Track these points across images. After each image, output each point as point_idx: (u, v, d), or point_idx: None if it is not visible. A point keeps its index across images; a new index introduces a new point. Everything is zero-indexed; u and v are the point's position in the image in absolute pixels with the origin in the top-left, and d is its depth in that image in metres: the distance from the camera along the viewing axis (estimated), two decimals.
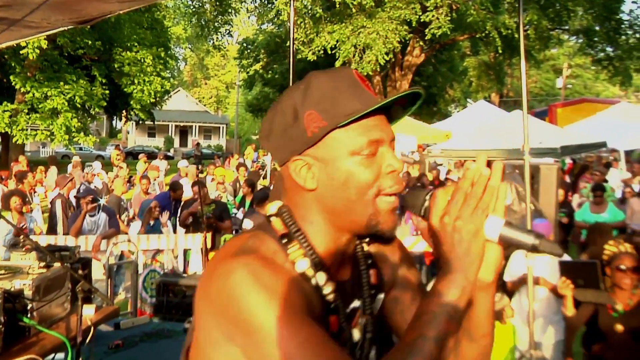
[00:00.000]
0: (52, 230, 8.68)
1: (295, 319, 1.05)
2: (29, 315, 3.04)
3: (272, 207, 1.25)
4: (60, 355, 3.93)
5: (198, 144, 33.58)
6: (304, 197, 1.21)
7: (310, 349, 1.03)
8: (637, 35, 24.48)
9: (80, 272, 3.16)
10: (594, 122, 17.02)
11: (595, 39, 25.60)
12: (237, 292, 1.06)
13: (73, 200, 9.41)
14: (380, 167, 1.17)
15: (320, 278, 1.19)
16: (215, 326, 1.11)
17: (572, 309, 4.31)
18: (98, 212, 7.81)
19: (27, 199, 8.82)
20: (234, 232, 9.02)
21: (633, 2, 33.04)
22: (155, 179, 12.98)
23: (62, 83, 22.28)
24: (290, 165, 1.20)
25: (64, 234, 8.10)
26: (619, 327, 4.06)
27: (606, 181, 10.84)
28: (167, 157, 39.84)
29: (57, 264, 3.39)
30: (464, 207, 1.08)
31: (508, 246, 1.11)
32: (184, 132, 57.18)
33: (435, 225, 1.11)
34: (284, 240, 1.19)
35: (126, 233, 8.55)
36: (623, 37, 24.67)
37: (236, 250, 1.14)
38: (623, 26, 24.58)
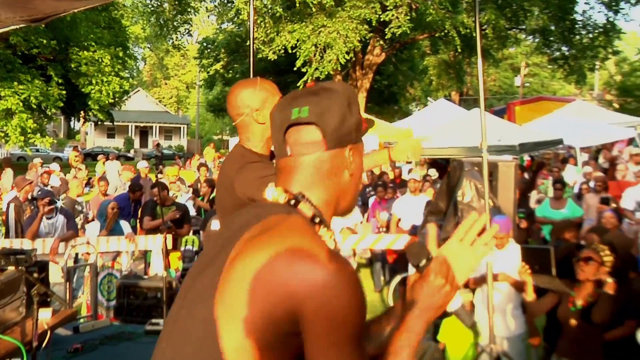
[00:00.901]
0: (7, 234, 8.48)
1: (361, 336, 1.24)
2: None
3: (280, 195, 1.35)
4: None
5: (158, 144, 33.21)
6: (336, 182, 1.38)
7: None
8: (590, 35, 25.07)
9: (36, 275, 3.08)
10: (551, 120, 17.36)
11: (551, 38, 26.13)
12: (339, 295, 1.16)
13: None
14: None
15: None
16: (285, 311, 1.16)
17: (532, 294, 4.40)
18: (55, 215, 7.65)
19: None
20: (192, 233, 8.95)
21: (585, 3, 33.83)
22: (127, 180, 12.76)
23: (16, 83, 21.76)
24: (346, 152, 1.37)
25: (16, 238, 7.92)
26: (573, 322, 4.15)
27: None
28: (127, 158, 39.38)
29: (11, 268, 3.31)
30: (451, 280, 1.41)
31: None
32: (144, 133, 56.47)
33: (425, 282, 1.40)
34: (317, 220, 1.33)
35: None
36: (577, 36, 25.22)
37: (312, 241, 1.22)
38: (577, 26, 25.13)
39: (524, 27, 26.48)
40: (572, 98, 30.06)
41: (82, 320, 6.33)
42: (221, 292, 1.20)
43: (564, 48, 26.53)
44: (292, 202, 1.33)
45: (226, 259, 1.24)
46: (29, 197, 8.91)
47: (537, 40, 28.01)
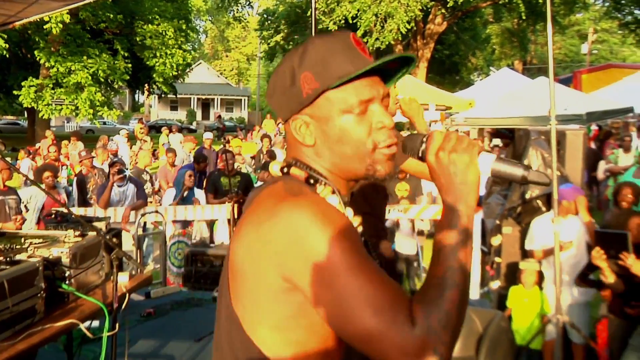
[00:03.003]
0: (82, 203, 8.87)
1: (362, 253, 1.14)
2: (67, 282, 3.14)
3: (275, 164, 1.35)
4: (95, 323, 4.05)
5: (220, 116, 33.69)
6: (305, 152, 1.31)
7: (379, 282, 1.11)
8: None
9: (115, 240, 3.24)
10: (620, 88, 16.70)
11: (623, 1, 25.03)
12: (307, 229, 1.12)
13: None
14: (370, 124, 1.26)
15: (349, 213, 1.28)
16: (275, 271, 1.15)
17: (612, 275, 4.26)
18: (126, 183, 7.90)
19: (58, 173, 8.96)
20: None
21: None
22: (190, 151, 13.11)
23: (85, 57, 22.40)
24: (291, 124, 1.30)
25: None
26: None
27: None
28: (190, 130, 40.09)
29: (91, 233, 3.48)
30: (458, 143, 1.20)
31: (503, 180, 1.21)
32: (206, 105, 57.28)
33: (432, 162, 1.22)
34: (312, 181, 1.29)
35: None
36: None
37: (285, 194, 1.21)
38: None
39: None
40: None
41: (152, 287, 6.58)
42: (231, 271, 1.25)
43: (636, 11, 25.41)
44: (285, 169, 1.33)
45: (232, 240, 1.28)
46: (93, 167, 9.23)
47: (607, 4, 26.92)
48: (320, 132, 1.28)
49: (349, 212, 1.28)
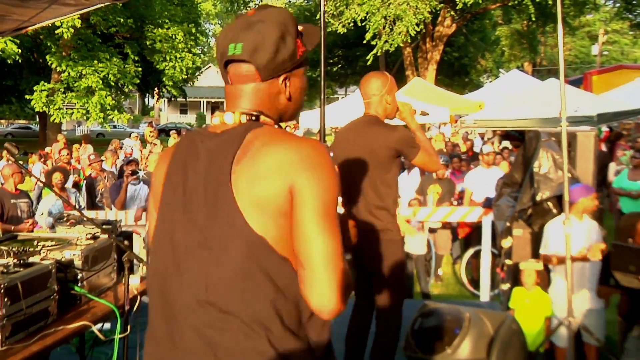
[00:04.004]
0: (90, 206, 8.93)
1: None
2: (79, 284, 3.16)
3: (228, 115, 1.60)
4: (106, 326, 4.07)
5: None
6: (278, 102, 1.62)
7: (334, 229, 1.48)
8: None
9: (127, 243, 3.26)
10: (631, 89, 16.64)
11: (634, 2, 24.88)
12: (324, 160, 1.50)
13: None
14: None
15: None
16: (284, 180, 1.45)
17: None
18: (139, 182, 7.94)
19: (69, 176, 9.02)
20: None
21: None
22: None
23: (96, 61, 22.54)
24: (279, 80, 1.60)
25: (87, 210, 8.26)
26: None
27: None
28: None
29: (103, 236, 3.50)
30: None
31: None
32: (215, 108, 57.39)
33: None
34: (278, 128, 1.61)
35: None
36: None
37: (289, 134, 1.57)
38: None
39: None
40: None
41: None
42: (238, 190, 1.47)
43: None
44: (254, 117, 1.57)
45: (223, 173, 1.49)
46: (102, 170, 9.29)
47: (617, 4, 26.78)
48: (294, 87, 1.63)
49: None
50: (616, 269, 4.26)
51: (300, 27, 1.65)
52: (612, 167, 10.54)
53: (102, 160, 9.55)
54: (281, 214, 1.46)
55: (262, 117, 1.58)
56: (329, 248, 1.43)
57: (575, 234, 4.90)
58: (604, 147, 12.78)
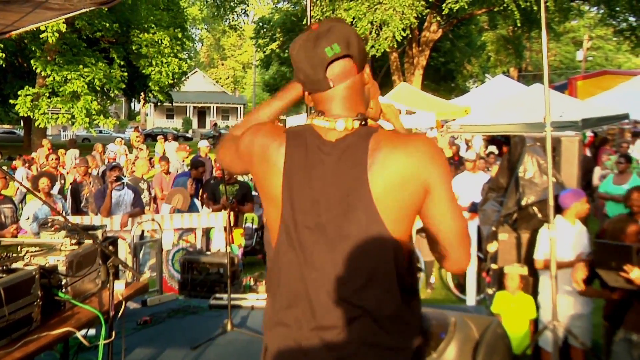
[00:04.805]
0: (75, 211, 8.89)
1: None
2: (63, 290, 3.14)
3: (341, 121, 1.71)
4: (91, 332, 4.04)
5: (216, 124, 33.68)
6: (366, 97, 1.80)
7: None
8: None
9: (112, 248, 3.24)
10: (615, 94, 16.76)
11: (617, 8, 25.10)
12: (441, 153, 1.70)
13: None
14: None
15: None
16: (419, 176, 1.64)
17: (582, 285, 4.36)
18: (123, 188, 7.90)
19: (55, 181, 8.96)
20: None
21: None
22: (184, 160, 13.12)
23: (81, 66, 22.43)
24: (367, 69, 1.77)
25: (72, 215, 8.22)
26: None
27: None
28: (186, 139, 40.10)
29: (88, 241, 3.48)
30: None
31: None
32: (202, 113, 57.32)
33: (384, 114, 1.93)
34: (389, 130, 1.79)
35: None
36: None
37: (410, 134, 1.77)
38: None
39: None
40: (639, 71, 28.94)
41: (149, 295, 6.56)
42: (376, 194, 1.62)
43: (631, 18, 25.47)
44: (363, 122, 1.72)
45: (358, 179, 1.63)
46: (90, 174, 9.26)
47: (601, 11, 27.02)
48: (369, 80, 1.80)
49: None
50: (599, 266, 4.30)
51: None
52: (597, 171, 10.62)
53: (88, 166, 9.51)
54: (415, 212, 1.68)
55: (370, 121, 1.75)
56: (463, 224, 1.71)
57: (567, 239, 4.94)
58: (588, 152, 12.88)
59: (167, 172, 10.56)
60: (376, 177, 1.62)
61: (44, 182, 7.39)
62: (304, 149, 1.71)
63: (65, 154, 15.88)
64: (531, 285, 5.36)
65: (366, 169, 1.62)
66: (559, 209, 5.00)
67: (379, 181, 1.61)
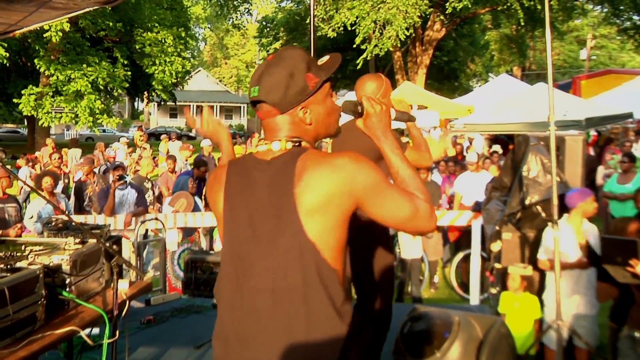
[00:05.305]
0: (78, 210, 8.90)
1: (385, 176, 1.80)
2: (67, 289, 3.14)
3: (276, 142, 1.86)
4: (95, 331, 4.04)
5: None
6: (305, 129, 1.87)
7: (398, 188, 1.82)
8: None
9: (115, 247, 3.24)
10: (619, 93, 16.73)
11: (621, 7, 25.03)
12: (362, 163, 1.75)
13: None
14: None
15: None
16: (344, 188, 1.73)
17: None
18: (126, 187, 7.90)
19: (58, 180, 8.97)
20: None
21: None
22: (187, 159, 13.14)
23: (85, 65, 22.45)
24: (298, 112, 1.84)
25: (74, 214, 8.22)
26: None
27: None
28: (189, 138, 40.10)
29: (92, 240, 3.48)
30: (381, 103, 1.96)
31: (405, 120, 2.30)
32: None
33: (370, 121, 1.94)
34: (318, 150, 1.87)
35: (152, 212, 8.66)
36: None
37: (334, 153, 1.81)
38: None
39: None
40: None
41: (152, 294, 6.56)
42: (302, 208, 1.72)
43: (635, 17, 25.41)
44: (297, 144, 1.85)
45: (286, 194, 1.74)
46: (94, 172, 9.26)
47: (605, 10, 26.95)
48: (315, 113, 1.87)
49: None
50: (606, 262, 4.31)
51: (324, 59, 1.92)
52: (601, 170, 10.60)
53: (93, 165, 9.53)
54: (345, 224, 1.77)
55: (303, 143, 1.86)
56: (408, 207, 1.77)
57: (572, 239, 4.92)
58: (592, 151, 12.86)
59: (173, 171, 10.57)
60: (303, 192, 1.72)
61: (47, 181, 7.40)
62: (241, 170, 1.91)
63: (68, 152, 15.91)
64: (537, 285, 5.35)
65: (293, 185, 1.74)
66: (563, 209, 4.98)
67: (305, 197, 1.72)
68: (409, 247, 7.37)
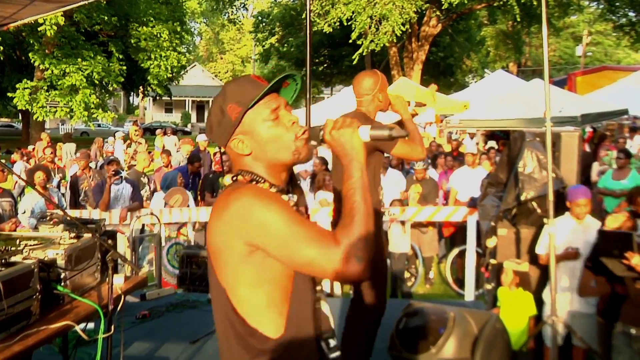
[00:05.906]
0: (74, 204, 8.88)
1: (291, 212, 1.63)
2: (62, 283, 3.13)
3: (227, 177, 1.80)
4: (90, 325, 4.03)
5: None
6: (246, 161, 1.77)
7: (307, 225, 1.61)
8: None
9: (110, 242, 3.24)
10: (614, 90, 16.77)
11: (617, 4, 25.05)
12: (253, 204, 1.60)
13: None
14: (285, 123, 1.75)
15: (285, 198, 1.76)
16: (239, 240, 1.61)
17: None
18: (121, 182, 7.88)
19: (51, 175, 8.93)
20: None
21: None
22: (188, 153, 13.11)
23: (79, 59, 22.36)
24: (231, 145, 1.77)
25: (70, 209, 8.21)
26: None
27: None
28: (184, 132, 40.05)
29: (87, 235, 3.47)
30: (342, 122, 1.75)
31: (378, 141, 1.80)
32: (200, 107, 57.22)
33: (329, 139, 1.76)
34: (254, 182, 1.74)
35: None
36: None
37: (232, 190, 1.68)
38: None
39: None
40: (638, 67, 28.91)
41: (148, 289, 6.56)
42: (213, 255, 1.69)
43: (631, 13, 25.42)
44: (234, 178, 1.77)
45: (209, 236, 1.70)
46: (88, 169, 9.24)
47: (601, 6, 26.97)
48: (252, 142, 1.75)
49: (285, 197, 1.75)
50: (603, 255, 4.32)
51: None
52: (595, 167, 10.62)
53: (89, 160, 9.51)
54: (250, 268, 1.64)
55: (239, 177, 1.77)
56: (309, 251, 1.58)
57: (574, 234, 4.93)
58: (587, 148, 12.88)
59: (168, 166, 10.55)
60: (209, 234, 1.69)
61: (39, 175, 7.35)
62: None
63: (63, 146, 15.86)
64: (534, 282, 5.35)
65: (208, 226, 1.72)
66: (558, 204, 4.99)
67: (210, 239, 1.69)
68: (396, 241, 7.38)
